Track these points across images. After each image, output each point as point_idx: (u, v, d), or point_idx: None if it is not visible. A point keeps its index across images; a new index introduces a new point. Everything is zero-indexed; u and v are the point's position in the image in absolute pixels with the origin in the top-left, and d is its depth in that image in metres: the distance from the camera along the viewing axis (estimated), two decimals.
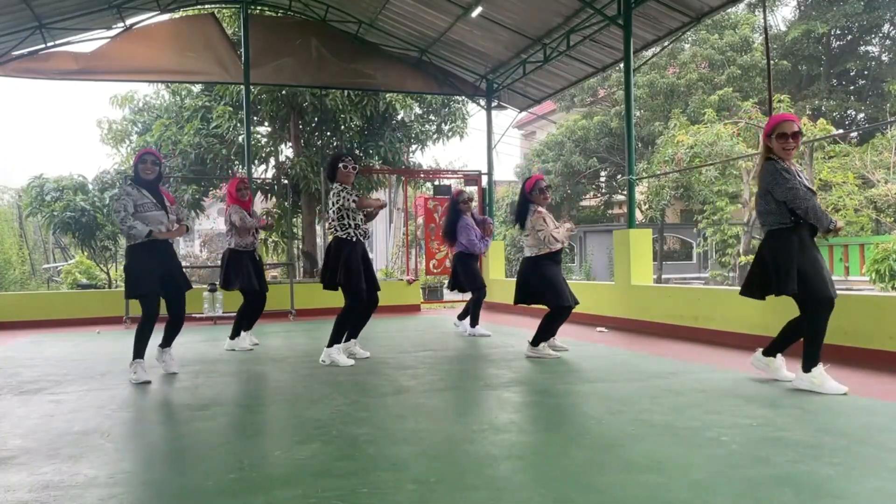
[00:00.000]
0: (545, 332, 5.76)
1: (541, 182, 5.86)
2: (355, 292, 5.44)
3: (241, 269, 6.43)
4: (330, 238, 5.61)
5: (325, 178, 5.53)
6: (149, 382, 4.83)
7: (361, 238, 5.51)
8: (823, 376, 4.12)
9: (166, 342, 5.22)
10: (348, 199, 5.39)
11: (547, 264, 5.68)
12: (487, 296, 11.45)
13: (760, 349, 4.55)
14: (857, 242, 16.81)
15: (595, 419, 3.53)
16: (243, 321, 6.61)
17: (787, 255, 4.09)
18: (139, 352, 4.93)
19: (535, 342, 5.76)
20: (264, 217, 5.74)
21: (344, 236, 5.44)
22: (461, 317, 7.73)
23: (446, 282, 12.69)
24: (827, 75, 24.45)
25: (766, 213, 4.22)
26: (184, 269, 5.32)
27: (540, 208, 5.74)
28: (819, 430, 3.24)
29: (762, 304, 4.48)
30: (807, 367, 4.14)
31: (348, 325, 5.61)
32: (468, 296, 7.83)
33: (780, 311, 4.59)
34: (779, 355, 4.43)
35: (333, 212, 5.45)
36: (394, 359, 5.75)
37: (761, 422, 3.40)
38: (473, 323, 7.49)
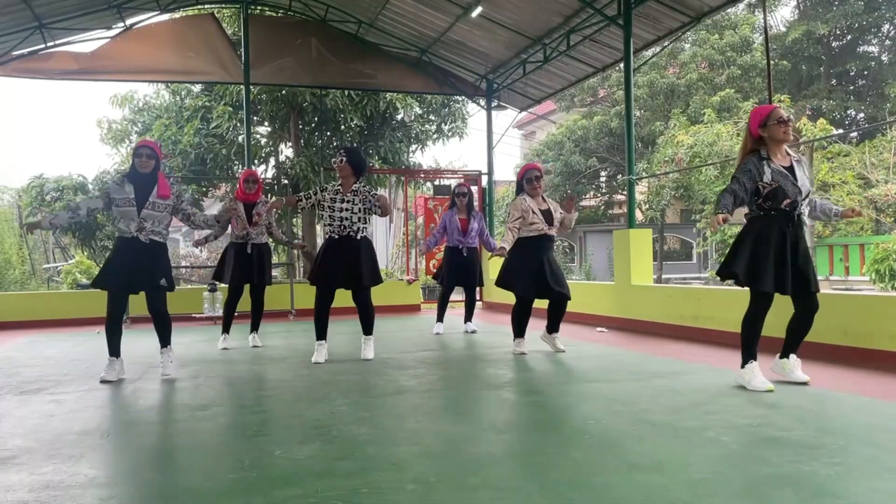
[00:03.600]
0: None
1: (530, 172, 5.92)
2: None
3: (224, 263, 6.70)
4: (346, 236, 5.62)
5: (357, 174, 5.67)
6: (108, 382, 4.80)
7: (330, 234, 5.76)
8: (752, 373, 4.20)
9: (160, 341, 5.10)
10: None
11: (514, 251, 5.82)
12: (487, 296, 11.52)
13: (778, 355, 4.46)
14: (857, 242, 16.82)
15: (595, 419, 3.53)
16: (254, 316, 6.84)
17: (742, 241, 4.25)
18: (108, 348, 4.93)
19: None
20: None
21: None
22: (467, 319, 7.80)
23: None
24: (827, 75, 24.45)
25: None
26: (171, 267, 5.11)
27: (524, 198, 5.85)
28: (819, 430, 3.24)
29: (775, 306, 4.46)
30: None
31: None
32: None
33: (781, 311, 4.57)
34: (792, 356, 4.36)
35: (364, 210, 5.60)
36: (394, 359, 5.74)
37: (761, 422, 3.39)
38: (438, 318, 7.76)
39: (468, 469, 2.74)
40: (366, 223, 5.63)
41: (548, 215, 5.82)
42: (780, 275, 4.13)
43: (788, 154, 4.30)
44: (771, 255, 4.13)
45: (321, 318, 5.74)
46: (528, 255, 5.77)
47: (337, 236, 5.59)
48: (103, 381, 4.82)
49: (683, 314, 7.10)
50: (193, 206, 5.13)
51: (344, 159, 5.58)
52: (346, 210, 5.54)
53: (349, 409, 3.87)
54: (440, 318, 7.73)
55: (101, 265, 12.86)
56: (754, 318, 4.25)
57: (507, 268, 5.88)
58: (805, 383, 4.26)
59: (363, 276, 5.56)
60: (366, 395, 4.25)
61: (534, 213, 5.77)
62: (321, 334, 5.74)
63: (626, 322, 7.99)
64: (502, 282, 5.93)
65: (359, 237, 5.58)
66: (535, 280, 5.73)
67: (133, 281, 4.88)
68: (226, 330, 6.77)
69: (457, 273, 7.47)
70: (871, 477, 2.56)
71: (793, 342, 4.36)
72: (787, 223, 4.16)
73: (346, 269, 5.54)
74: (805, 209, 4.23)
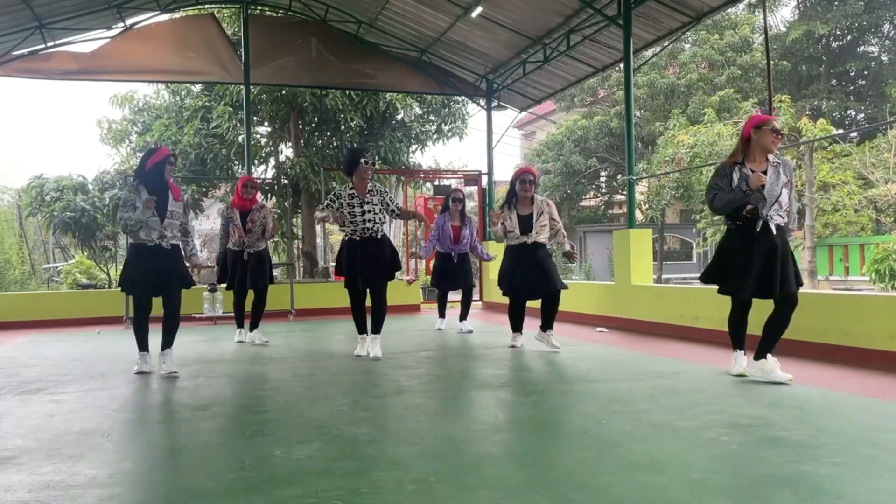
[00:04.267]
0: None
1: (524, 175, 6.00)
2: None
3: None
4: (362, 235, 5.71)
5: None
6: (147, 373, 5.09)
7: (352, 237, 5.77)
8: (733, 360, 4.66)
9: (165, 342, 5.17)
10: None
11: (504, 255, 6.01)
12: (486, 296, 11.53)
13: (753, 356, 4.51)
14: (857, 242, 16.81)
15: (595, 419, 3.53)
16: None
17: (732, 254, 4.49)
18: (139, 345, 5.20)
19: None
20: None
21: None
22: (462, 318, 7.83)
23: None
24: (827, 75, 24.46)
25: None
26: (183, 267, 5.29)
27: (507, 207, 6.02)
28: (819, 430, 3.24)
29: (762, 303, 4.49)
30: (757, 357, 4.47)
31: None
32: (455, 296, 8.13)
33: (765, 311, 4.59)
34: (769, 356, 4.41)
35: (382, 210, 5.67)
36: (394, 359, 5.74)
37: (761, 422, 3.39)
38: (440, 314, 8.07)
39: (468, 469, 2.74)
40: (384, 221, 5.75)
41: (527, 222, 5.88)
42: (756, 280, 4.32)
43: (767, 160, 4.42)
44: (741, 264, 4.36)
45: (358, 316, 5.95)
46: (512, 260, 5.96)
47: (359, 238, 5.66)
48: (139, 373, 5.10)
49: (683, 314, 7.10)
50: (190, 220, 5.39)
51: (377, 161, 5.71)
52: (370, 212, 5.63)
53: (349, 409, 3.87)
54: (441, 315, 8.05)
55: (101, 265, 12.82)
56: (733, 317, 4.65)
57: (500, 270, 6.12)
58: (785, 383, 4.27)
59: (384, 272, 5.70)
60: (366, 395, 4.25)
61: (511, 221, 5.95)
62: (361, 329, 5.98)
63: (626, 322, 7.99)
64: (499, 283, 6.16)
65: (379, 235, 5.69)
66: (522, 280, 5.85)
67: (158, 284, 5.07)
68: (239, 325, 7.06)
69: (449, 278, 7.67)
70: (871, 477, 2.56)
71: (766, 342, 4.42)
72: (751, 231, 4.32)
73: (371, 267, 5.66)
74: (776, 216, 4.34)
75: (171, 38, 10.90)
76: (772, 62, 13.49)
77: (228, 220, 6.72)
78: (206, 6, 11.62)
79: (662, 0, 8.39)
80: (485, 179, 12.47)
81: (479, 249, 7.86)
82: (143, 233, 4.97)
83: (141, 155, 5.53)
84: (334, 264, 6.01)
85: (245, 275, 6.65)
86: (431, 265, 11.89)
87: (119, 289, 5.42)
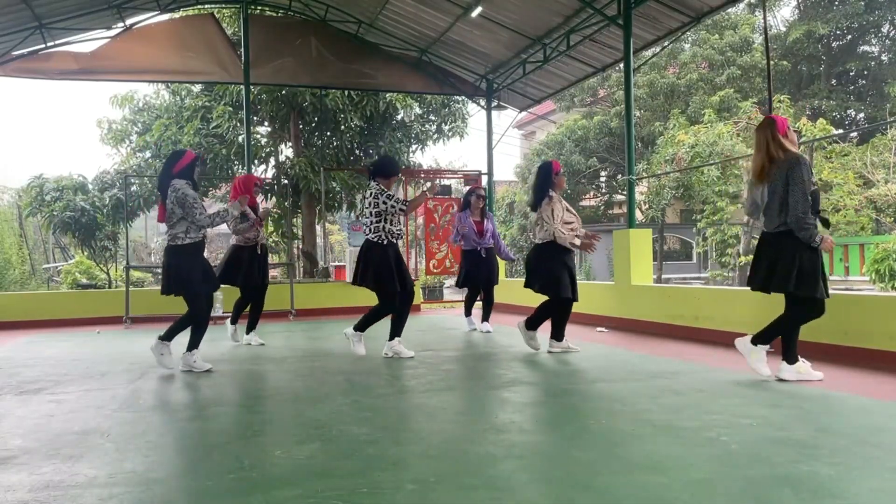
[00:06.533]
0: (561, 325, 5.92)
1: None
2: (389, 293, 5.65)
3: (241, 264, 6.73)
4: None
5: (373, 174, 5.66)
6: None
7: (394, 240, 5.66)
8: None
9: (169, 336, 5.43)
10: (395, 205, 5.56)
11: (556, 253, 5.72)
12: None
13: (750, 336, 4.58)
14: (857, 242, 16.79)
15: (595, 419, 3.53)
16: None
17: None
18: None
19: (558, 337, 5.94)
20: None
21: (375, 239, 5.58)
22: (485, 319, 7.82)
23: (446, 282, 12.81)
24: (827, 75, 24.47)
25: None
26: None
27: (554, 195, 5.79)
28: (819, 430, 3.24)
29: (761, 303, 4.50)
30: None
31: (382, 318, 5.85)
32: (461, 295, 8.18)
33: (778, 309, 4.59)
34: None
35: (372, 214, 5.58)
36: (394, 359, 5.74)
37: (761, 422, 3.40)
38: (466, 314, 7.99)
39: (468, 469, 2.74)
40: None
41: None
42: None
43: None
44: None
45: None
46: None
47: (396, 241, 5.70)
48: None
49: (683, 314, 7.10)
50: None
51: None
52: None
53: (349, 409, 3.87)
54: (468, 313, 7.96)
55: (101, 265, 12.81)
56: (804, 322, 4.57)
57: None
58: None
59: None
60: (366, 395, 4.25)
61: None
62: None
63: (626, 322, 7.99)
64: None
65: None
66: None
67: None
68: (234, 322, 6.98)
69: (478, 274, 7.58)
70: (871, 477, 2.56)
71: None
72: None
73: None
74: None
75: (170, 38, 10.89)
76: (772, 62, 13.50)
77: (244, 216, 6.71)
78: (206, 6, 11.61)
79: (662, 0, 8.39)
80: (485, 179, 12.46)
81: (503, 248, 7.83)
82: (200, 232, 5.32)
83: (166, 158, 5.60)
84: (382, 271, 5.57)
85: (259, 270, 6.70)
86: (430, 264, 11.92)
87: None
